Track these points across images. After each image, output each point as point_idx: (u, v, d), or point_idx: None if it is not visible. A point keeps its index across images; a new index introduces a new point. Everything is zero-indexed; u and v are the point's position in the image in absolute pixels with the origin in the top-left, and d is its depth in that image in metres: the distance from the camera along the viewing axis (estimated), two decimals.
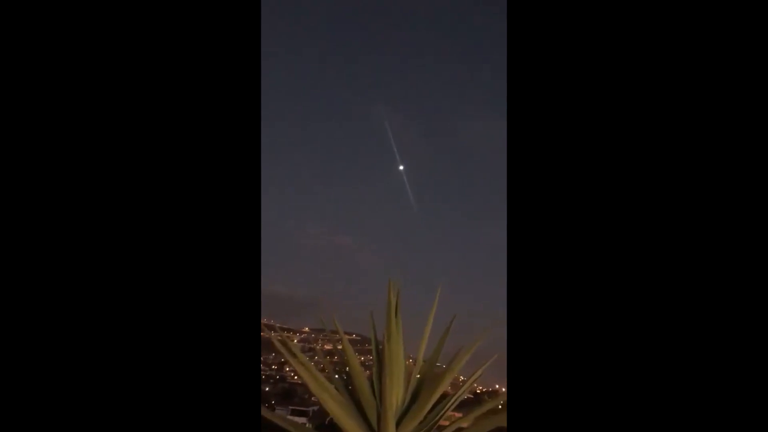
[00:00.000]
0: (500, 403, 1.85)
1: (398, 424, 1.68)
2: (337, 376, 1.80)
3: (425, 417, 1.72)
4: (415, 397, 1.70)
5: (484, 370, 2.04)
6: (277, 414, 1.62)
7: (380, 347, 1.77)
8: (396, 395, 1.71)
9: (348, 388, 1.74)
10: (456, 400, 1.86)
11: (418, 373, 1.82)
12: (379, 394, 1.63)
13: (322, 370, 1.79)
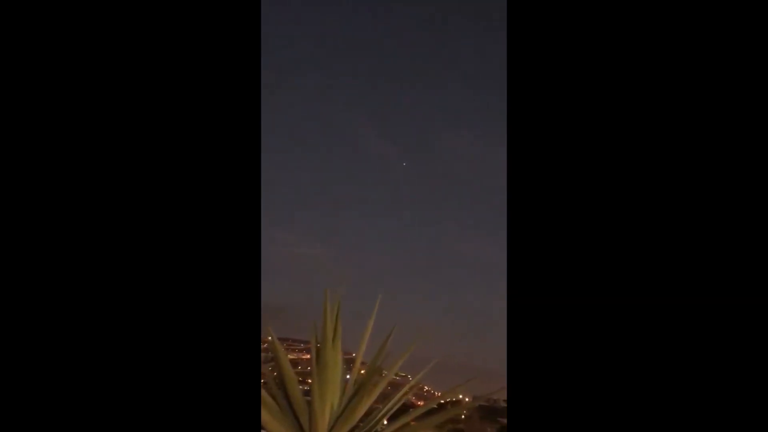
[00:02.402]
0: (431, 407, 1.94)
1: (332, 428, 1.75)
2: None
3: (360, 422, 1.80)
4: (349, 403, 1.79)
5: (423, 375, 2.14)
6: None
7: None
8: (330, 401, 1.78)
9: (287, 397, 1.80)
10: (394, 405, 1.95)
11: (354, 379, 1.90)
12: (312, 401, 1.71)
13: (275, 379, 1.84)
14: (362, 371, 1.89)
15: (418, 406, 1.97)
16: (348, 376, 1.91)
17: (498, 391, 1.83)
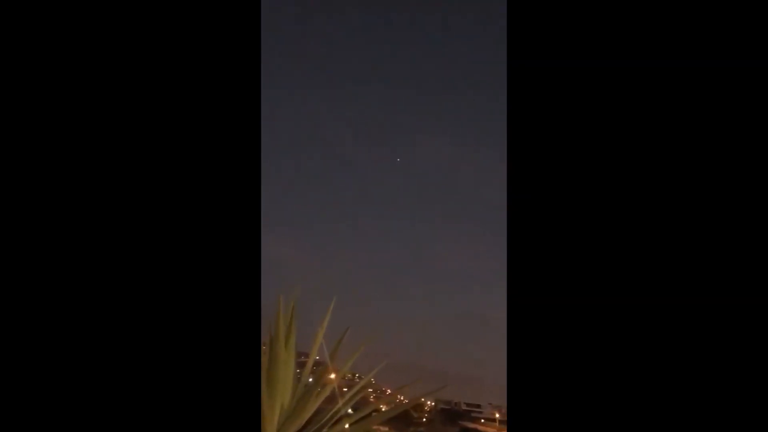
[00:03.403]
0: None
1: (282, 427, 1.79)
2: None
3: (308, 421, 1.84)
4: (299, 403, 1.84)
5: (375, 375, 2.21)
6: None
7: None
8: (281, 400, 1.82)
9: None
10: (346, 404, 2.00)
11: (306, 381, 1.95)
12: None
13: None
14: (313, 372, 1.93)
15: (380, 408, 2.03)
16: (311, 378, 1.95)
17: (440, 390, 1.90)
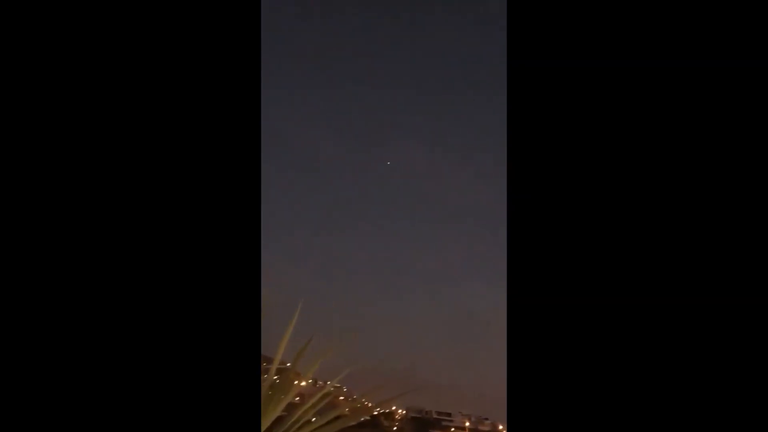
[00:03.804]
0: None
1: None
2: None
3: (268, 429, 1.81)
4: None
5: (338, 382, 2.19)
6: None
7: None
8: None
9: None
10: (309, 410, 1.98)
11: (269, 384, 1.92)
12: None
13: None
14: (275, 377, 1.91)
15: (345, 413, 2.00)
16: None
17: (397, 398, 1.90)
